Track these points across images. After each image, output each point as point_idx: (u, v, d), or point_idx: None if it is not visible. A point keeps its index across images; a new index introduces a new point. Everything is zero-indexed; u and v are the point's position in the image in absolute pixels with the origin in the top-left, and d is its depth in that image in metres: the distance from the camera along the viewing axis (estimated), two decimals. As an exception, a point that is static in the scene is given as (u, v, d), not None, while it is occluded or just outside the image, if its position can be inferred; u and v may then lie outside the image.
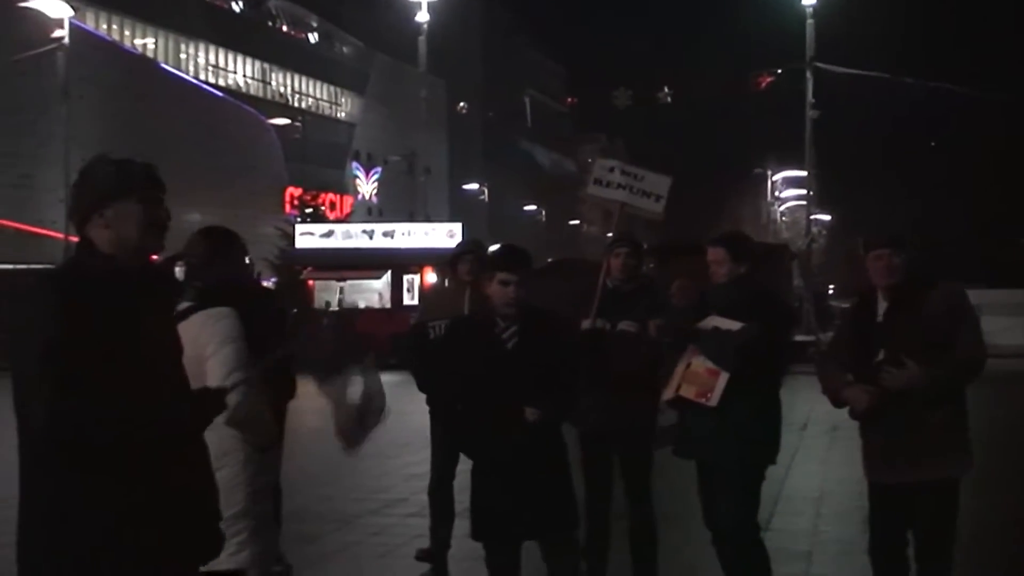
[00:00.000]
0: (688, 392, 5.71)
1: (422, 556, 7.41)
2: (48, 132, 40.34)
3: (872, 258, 5.30)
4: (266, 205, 52.87)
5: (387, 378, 4.46)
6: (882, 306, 5.32)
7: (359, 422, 4.38)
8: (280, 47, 64.99)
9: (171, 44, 56.85)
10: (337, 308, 30.97)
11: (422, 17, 47.51)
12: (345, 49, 72.82)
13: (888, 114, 75.22)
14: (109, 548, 3.09)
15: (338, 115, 72.04)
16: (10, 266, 35.24)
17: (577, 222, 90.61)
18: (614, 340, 6.22)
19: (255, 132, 58.54)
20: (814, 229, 51.99)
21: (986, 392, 6.73)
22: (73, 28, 36.72)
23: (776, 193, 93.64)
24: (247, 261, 6.02)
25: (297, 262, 33.47)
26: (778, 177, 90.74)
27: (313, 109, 69.45)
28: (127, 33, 54.10)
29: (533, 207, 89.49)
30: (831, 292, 58.36)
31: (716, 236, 6.05)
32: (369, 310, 31.16)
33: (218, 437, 3.88)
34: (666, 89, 44.00)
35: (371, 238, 34.98)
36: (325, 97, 71.03)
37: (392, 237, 34.86)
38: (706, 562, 6.18)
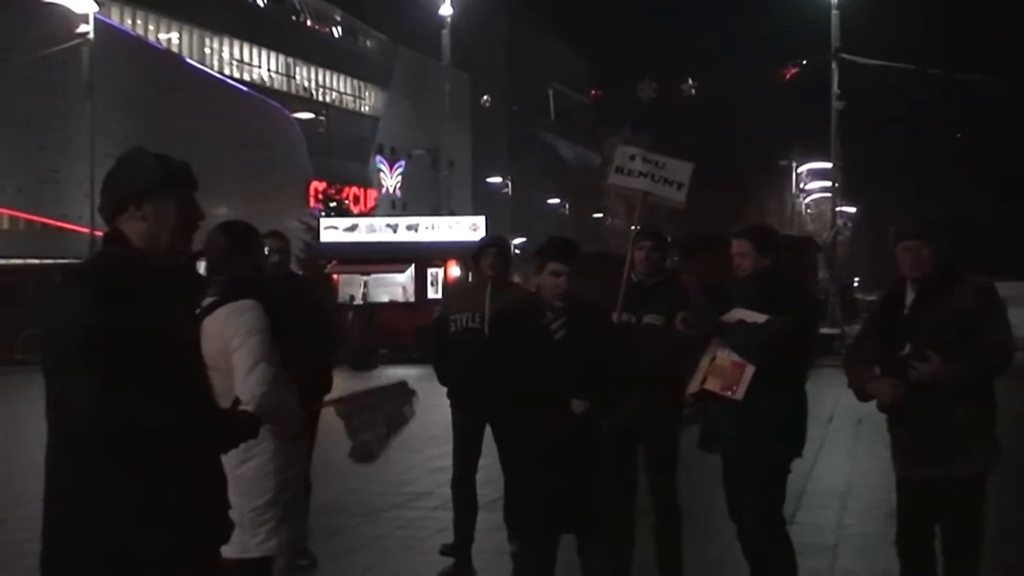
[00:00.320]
0: (713, 386, 5.68)
1: (446, 551, 7.40)
2: (73, 127, 40.61)
3: (901, 249, 5.24)
4: (290, 199, 53.07)
5: (411, 371, 4.47)
6: (910, 298, 5.26)
7: (386, 436, 4.37)
8: (304, 41, 65.19)
9: (195, 39, 57.12)
10: (361, 302, 31.01)
11: (446, 11, 47.58)
12: (369, 43, 72.97)
13: (914, 105, 74.84)
14: (138, 547, 3.06)
15: (362, 109, 72.19)
16: (36, 261, 35.54)
17: (601, 215, 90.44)
18: (639, 334, 6.20)
19: (279, 126, 58.80)
20: (839, 221, 51.74)
21: (1016, 385, 6.67)
22: (98, 23, 36.92)
23: (801, 185, 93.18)
24: (266, 253, 6.04)
25: (321, 256, 33.52)
26: (803, 169, 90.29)
27: (337, 103, 69.63)
28: (152, 28, 54.42)
29: (557, 200, 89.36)
30: (856, 285, 58.09)
31: (741, 228, 6.00)
32: (393, 303, 31.20)
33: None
34: (690, 81, 43.76)
35: (395, 232, 35.00)
36: (349, 91, 71.20)
37: (416, 231, 34.87)
38: (731, 556, 6.16)
